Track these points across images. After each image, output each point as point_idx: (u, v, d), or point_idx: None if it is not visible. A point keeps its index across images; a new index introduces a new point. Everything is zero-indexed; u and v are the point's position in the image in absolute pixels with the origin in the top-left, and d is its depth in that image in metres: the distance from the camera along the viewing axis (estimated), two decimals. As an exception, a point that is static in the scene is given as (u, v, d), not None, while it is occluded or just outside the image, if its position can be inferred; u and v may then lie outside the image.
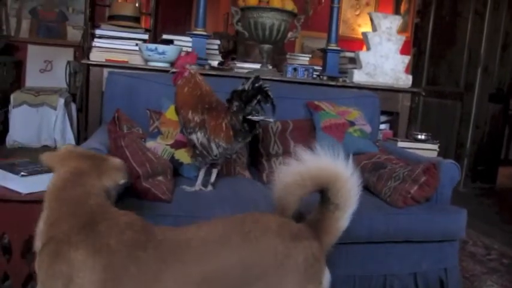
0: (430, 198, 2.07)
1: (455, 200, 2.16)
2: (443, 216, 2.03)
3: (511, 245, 3.03)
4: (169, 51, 2.78)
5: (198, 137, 1.89)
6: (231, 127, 1.87)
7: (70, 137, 4.70)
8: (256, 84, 1.84)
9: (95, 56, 2.79)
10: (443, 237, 2.04)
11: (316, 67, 3.18)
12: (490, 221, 3.54)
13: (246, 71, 3.03)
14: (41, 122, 4.63)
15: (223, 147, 1.89)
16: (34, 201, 1.95)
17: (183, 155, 2.13)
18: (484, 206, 4.09)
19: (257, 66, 3.05)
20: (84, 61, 2.86)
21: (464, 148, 4.62)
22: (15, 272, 2.00)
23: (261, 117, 1.85)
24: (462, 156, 4.60)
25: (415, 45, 5.21)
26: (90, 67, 2.75)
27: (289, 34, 3.04)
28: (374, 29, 3.15)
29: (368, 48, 3.13)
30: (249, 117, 1.84)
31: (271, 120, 1.92)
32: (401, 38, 3.17)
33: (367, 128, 2.46)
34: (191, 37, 2.86)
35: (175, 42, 2.94)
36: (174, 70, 1.99)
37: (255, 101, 1.84)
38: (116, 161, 1.25)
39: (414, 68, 5.17)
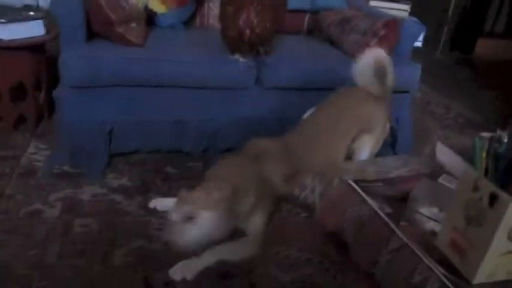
0: (389, 52, 2.20)
1: (429, 65, 2.26)
2: (399, 68, 2.17)
3: (469, 108, 3.23)
4: None
5: None
6: None
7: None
8: None
9: None
10: (397, 87, 2.21)
11: None
12: (456, 86, 3.71)
13: None
14: (19, -20, 4.51)
15: None
16: (17, 48, 2.07)
17: (156, 5, 2.20)
18: (455, 73, 4.24)
19: None
20: None
21: (446, 16, 4.63)
22: (6, 114, 2.19)
23: None
24: (442, 24, 4.64)
25: None
26: None
27: None
28: None
29: None
30: None
31: None
32: None
33: (339, -15, 2.50)
34: None
35: None
36: None
37: None
38: None
39: None
